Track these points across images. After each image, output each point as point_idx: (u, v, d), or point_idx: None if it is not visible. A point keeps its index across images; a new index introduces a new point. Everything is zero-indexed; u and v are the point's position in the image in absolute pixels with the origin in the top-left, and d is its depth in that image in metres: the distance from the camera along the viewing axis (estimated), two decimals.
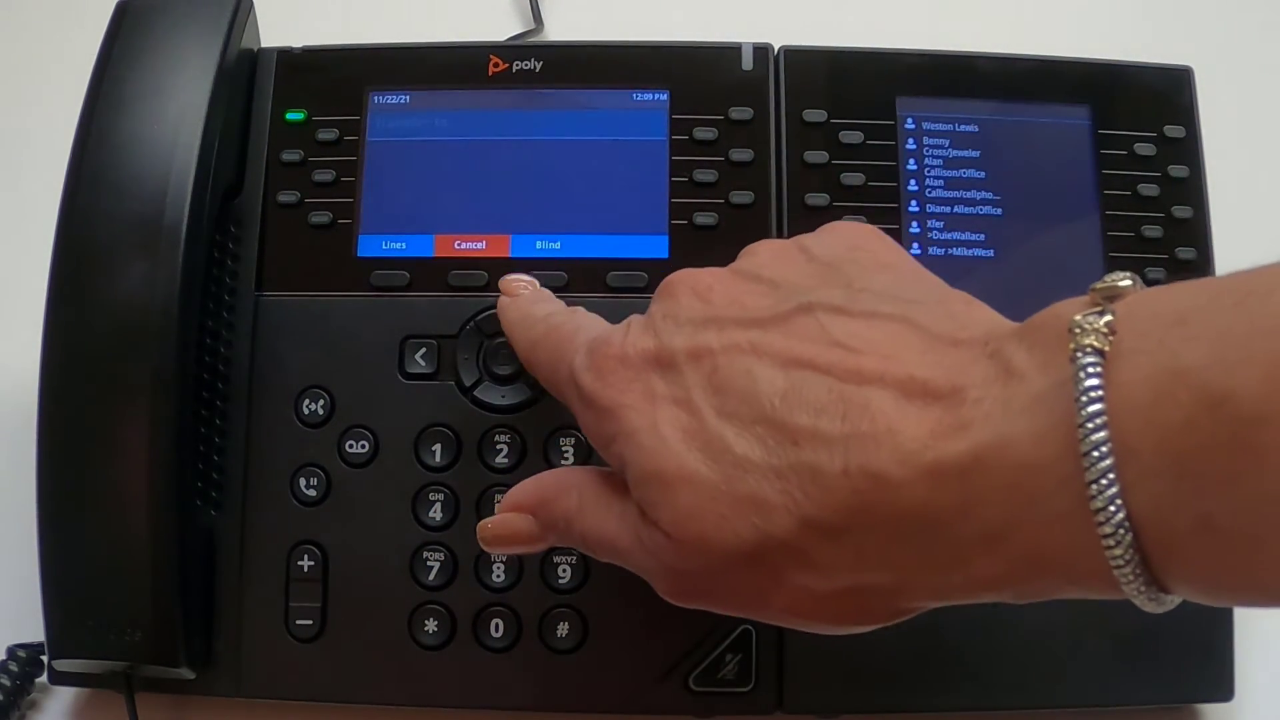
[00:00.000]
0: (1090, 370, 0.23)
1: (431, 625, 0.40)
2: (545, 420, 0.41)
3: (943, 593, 0.27)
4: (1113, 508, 0.22)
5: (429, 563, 0.40)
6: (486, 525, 0.33)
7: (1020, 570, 0.25)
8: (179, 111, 0.40)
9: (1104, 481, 0.22)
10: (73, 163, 0.40)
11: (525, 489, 0.33)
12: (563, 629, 0.40)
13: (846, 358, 0.27)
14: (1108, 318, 0.23)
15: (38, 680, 0.42)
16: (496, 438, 0.41)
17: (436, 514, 0.40)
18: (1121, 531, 0.22)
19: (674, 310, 0.30)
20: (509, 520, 0.33)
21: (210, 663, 0.40)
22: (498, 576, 0.40)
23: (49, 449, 0.38)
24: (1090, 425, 0.22)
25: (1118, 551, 0.23)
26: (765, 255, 0.31)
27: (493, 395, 0.41)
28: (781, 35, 0.45)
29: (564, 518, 0.32)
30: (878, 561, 0.26)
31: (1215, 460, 0.21)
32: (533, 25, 0.56)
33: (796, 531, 0.26)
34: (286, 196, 0.43)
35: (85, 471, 0.38)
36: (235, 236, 0.43)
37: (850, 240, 0.31)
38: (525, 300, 0.36)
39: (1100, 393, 0.22)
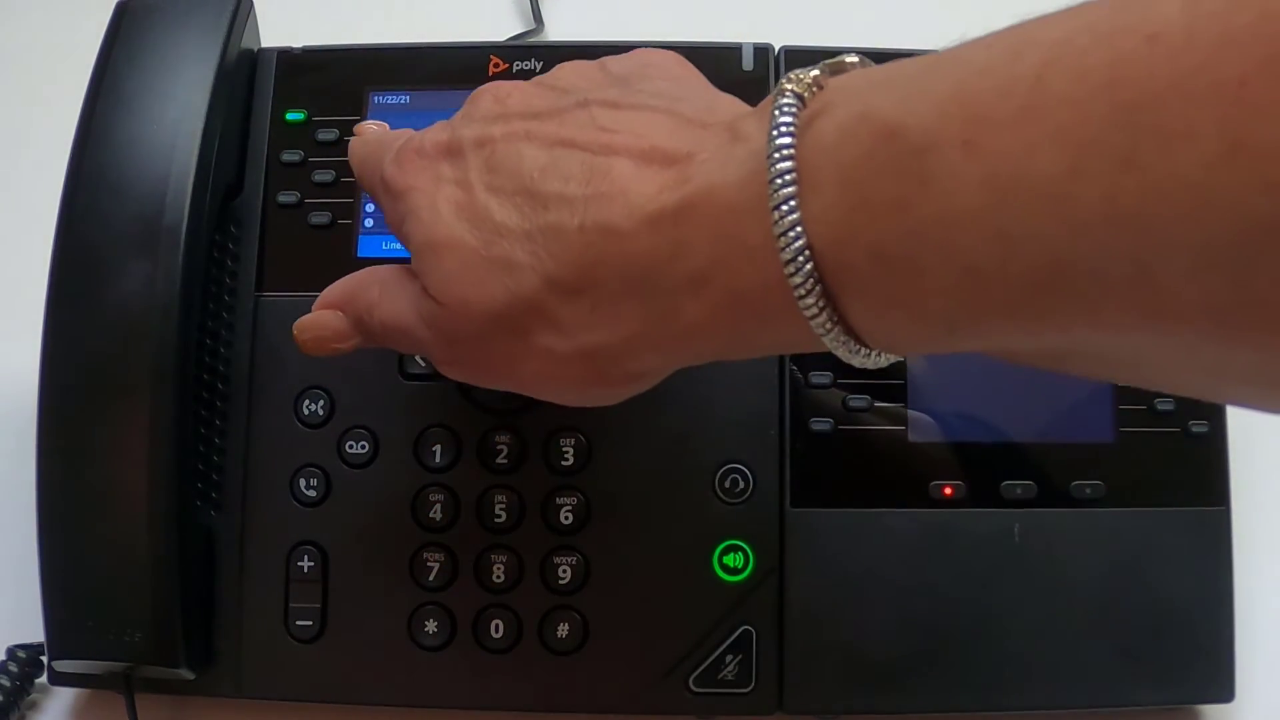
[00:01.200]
0: (785, 109, 0.25)
1: (431, 625, 0.40)
2: (545, 421, 0.41)
3: (662, 346, 0.28)
4: (793, 233, 0.24)
5: (429, 563, 0.40)
6: (301, 324, 0.35)
7: (725, 315, 0.26)
8: (179, 111, 0.40)
9: (785, 208, 0.24)
10: (73, 163, 0.40)
11: (335, 287, 0.35)
12: (563, 629, 0.40)
13: (602, 136, 0.29)
14: (815, 73, 0.25)
15: (38, 680, 0.42)
16: (496, 438, 0.41)
17: (436, 514, 0.40)
18: (802, 260, 0.24)
19: (471, 111, 0.32)
20: (322, 317, 0.34)
21: (210, 663, 0.40)
22: (498, 577, 0.40)
23: (49, 449, 0.38)
24: (776, 156, 0.24)
25: (798, 279, 0.24)
26: (567, 69, 0.33)
27: (492, 396, 0.41)
28: (781, 35, 0.45)
29: (366, 308, 0.33)
30: (608, 317, 0.28)
31: (885, 188, 0.23)
32: (533, 25, 0.56)
33: (540, 289, 0.28)
34: (286, 196, 0.43)
35: (85, 472, 0.38)
36: (235, 236, 0.43)
37: (649, 59, 0.33)
38: (369, 133, 0.38)
39: (790, 128, 0.24)
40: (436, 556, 0.40)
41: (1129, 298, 0.21)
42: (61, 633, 0.38)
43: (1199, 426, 0.41)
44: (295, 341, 0.35)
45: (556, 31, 0.56)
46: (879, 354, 0.26)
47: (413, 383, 0.41)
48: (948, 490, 0.40)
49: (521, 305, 0.29)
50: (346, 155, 0.39)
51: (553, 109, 0.30)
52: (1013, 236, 0.21)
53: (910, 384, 0.41)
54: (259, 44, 0.45)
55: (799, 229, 0.24)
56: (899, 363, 0.41)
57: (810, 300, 0.24)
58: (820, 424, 0.41)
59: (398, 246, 0.42)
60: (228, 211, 0.43)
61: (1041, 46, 0.21)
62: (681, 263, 0.26)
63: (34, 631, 0.39)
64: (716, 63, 0.44)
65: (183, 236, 0.39)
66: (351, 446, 0.41)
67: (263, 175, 0.43)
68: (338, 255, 0.42)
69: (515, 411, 0.41)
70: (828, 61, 0.26)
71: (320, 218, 0.43)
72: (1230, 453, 0.41)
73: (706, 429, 0.40)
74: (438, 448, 0.41)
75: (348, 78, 0.44)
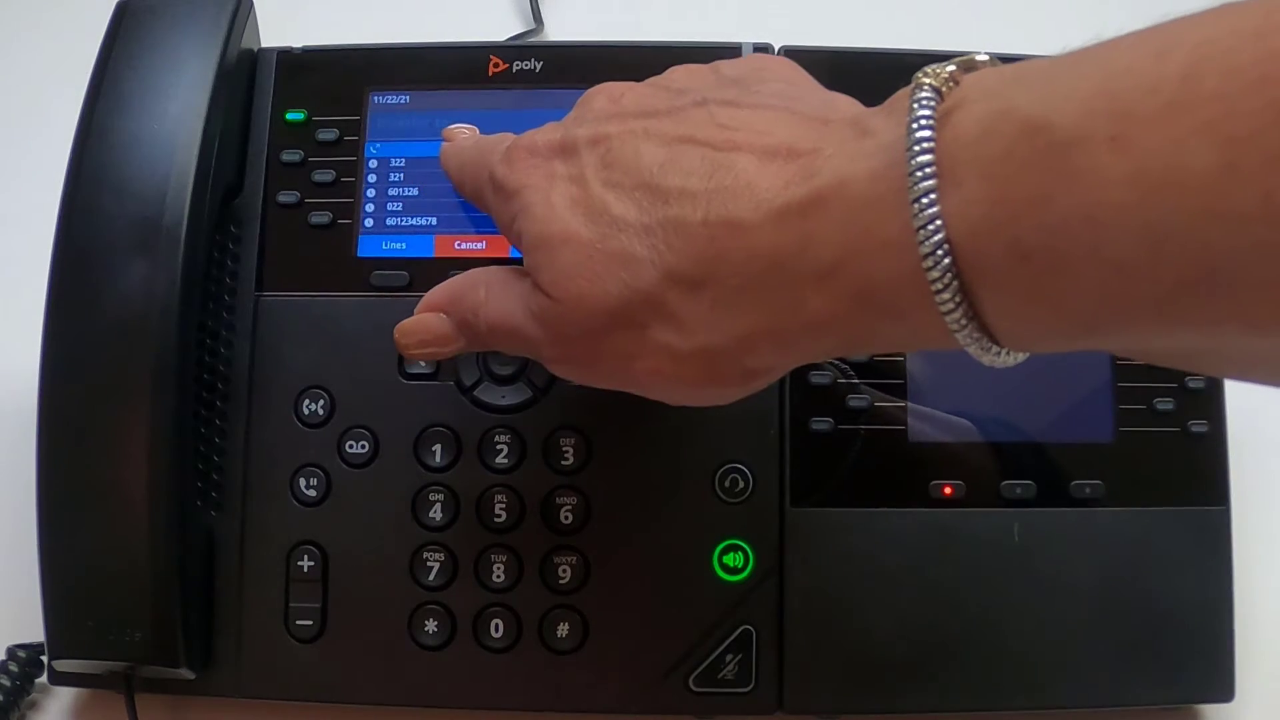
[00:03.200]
0: (924, 102, 0.25)
1: (431, 625, 0.40)
2: (545, 420, 0.41)
3: (783, 341, 0.28)
4: (932, 227, 0.24)
5: (429, 563, 0.40)
6: (403, 327, 0.34)
7: (852, 308, 0.26)
8: (179, 111, 0.40)
9: (925, 201, 0.24)
10: (73, 163, 0.40)
11: (438, 290, 0.34)
12: (563, 629, 0.40)
13: (723, 133, 0.29)
14: (951, 68, 0.25)
15: (38, 680, 0.42)
16: (496, 438, 0.41)
17: (436, 514, 0.40)
18: (940, 254, 0.24)
19: (585, 111, 0.32)
20: (424, 320, 0.34)
21: (210, 663, 0.40)
22: (498, 577, 0.40)
23: (49, 449, 0.38)
24: (916, 149, 0.24)
25: (935, 274, 0.24)
26: (680, 72, 0.33)
27: (493, 395, 0.41)
28: (781, 35, 0.45)
29: (472, 310, 0.33)
30: (728, 312, 0.27)
31: (1029, 183, 0.22)
32: (533, 25, 0.56)
33: (659, 283, 0.28)
34: (286, 196, 0.43)
35: (85, 471, 0.38)
36: (235, 236, 0.43)
37: (761, 63, 0.33)
38: (461, 138, 0.39)
39: (930, 122, 0.24)
40: (436, 556, 0.40)
41: None
42: (61, 632, 0.38)
43: (1199, 426, 0.41)
44: (396, 346, 0.35)
45: (556, 31, 0.56)
46: (1009, 353, 0.26)
47: (413, 383, 0.41)
48: (948, 490, 0.40)
49: (639, 300, 0.28)
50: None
51: (670, 108, 0.30)
52: (1163, 233, 0.21)
53: (910, 384, 0.41)
54: (259, 44, 0.45)
55: (938, 222, 0.24)
56: (898, 362, 0.41)
57: (947, 295, 0.24)
58: (820, 424, 0.41)
59: (398, 246, 0.42)
60: (228, 211, 0.43)
61: (1186, 46, 0.21)
62: (809, 256, 0.26)
63: (34, 631, 0.39)
64: None
65: (183, 236, 0.39)
66: (351, 446, 0.41)
67: (263, 175, 0.43)
68: (338, 255, 0.42)
69: (515, 411, 0.41)
70: (959, 59, 0.26)
71: (320, 218, 0.43)
72: (1230, 453, 0.41)
73: (706, 429, 0.41)
74: (438, 448, 0.41)
75: (348, 78, 0.44)
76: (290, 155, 0.43)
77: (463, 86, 0.44)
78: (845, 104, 0.30)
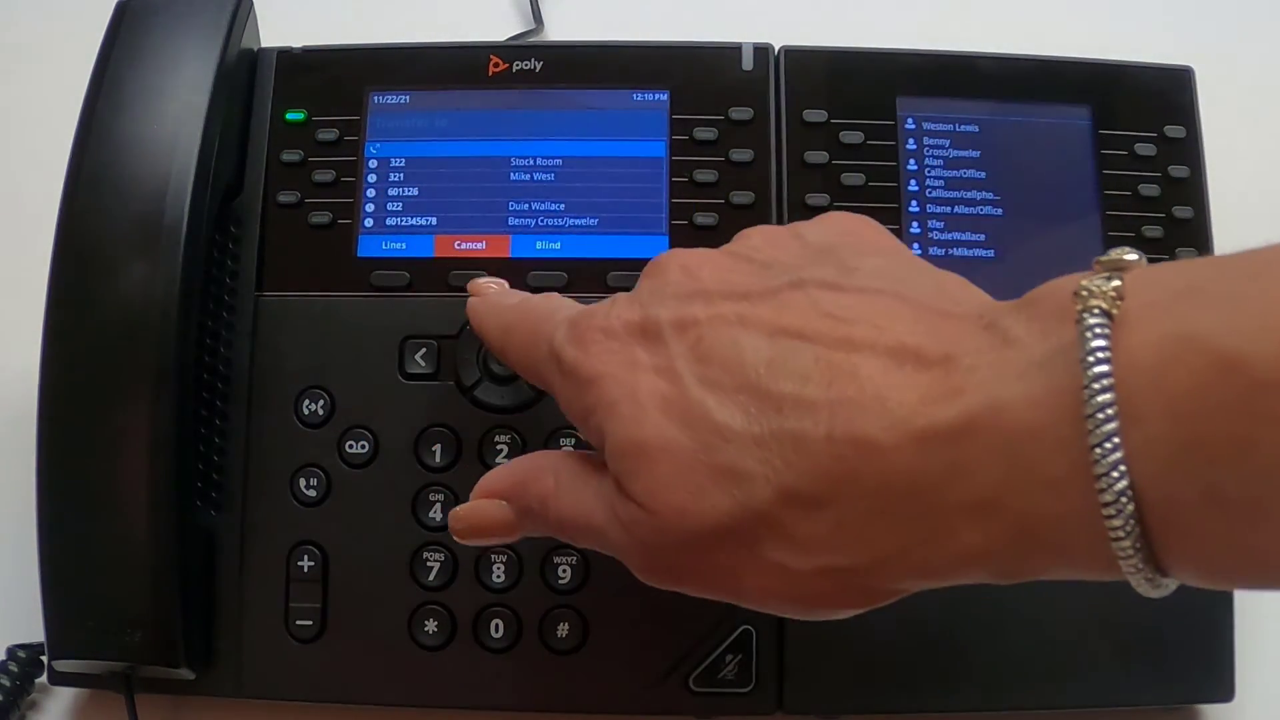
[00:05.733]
0: (1097, 331, 0.22)
1: (431, 625, 0.40)
2: (545, 420, 0.41)
3: (925, 570, 0.25)
4: (1115, 473, 0.21)
5: (429, 563, 0.40)
6: (458, 514, 0.32)
7: (1010, 543, 0.24)
8: (179, 111, 0.40)
9: (1108, 445, 0.21)
10: (73, 163, 0.40)
11: (499, 474, 0.32)
12: (563, 629, 0.40)
13: (836, 327, 0.26)
14: (1116, 283, 0.23)
15: (38, 680, 0.42)
16: (496, 438, 0.41)
17: (436, 514, 0.40)
18: (1124, 500, 0.22)
19: (661, 285, 0.29)
20: (482, 508, 0.32)
21: (210, 663, 0.40)
22: (498, 577, 0.40)
23: (49, 449, 0.38)
24: (1096, 386, 0.21)
25: (1118, 522, 0.22)
26: (758, 239, 0.31)
27: (493, 395, 0.41)
28: (781, 35, 0.45)
29: (539, 500, 0.31)
30: (857, 536, 0.25)
31: (1226, 427, 0.20)
32: (533, 25, 0.56)
33: (775, 502, 0.25)
34: (286, 196, 0.43)
35: (85, 472, 0.38)
36: (235, 236, 0.43)
37: (844, 226, 0.31)
38: (494, 295, 0.36)
39: (1107, 354, 0.22)
40: (436, 556, 0.40)
41: None
42: (61, 632, 0.38)
43: None
44: (450, 530, 0.33)
45: (556, 31, 0.56)
46: (1170, 583, 0.23)
47: (413, 383, 0.41)
48: None
49: (750, 517, 0.26)
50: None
51: (764, 289, 0.27)
52: None
53: None
54: (259, 44, 0.45)
55: (1122, 468, 0.21)
56: None
57: (1127, 543, 0.22)
58: None
59: (398, 246, 0.42)
60: (228, 211, 0.43)
61: None
62: (960, 487, 0.23)
63: (34, 631, 0.39)
64: (716, 63, 0.44)
65: (183, 236, 0.39)
66: (351, 446, 0.41)
67: (263, 175, 0.43)
68: (338, 255, 0.42)
69: (515, 411, 0.41)
70: (1105, 260, 0.24)
71: (320, 218, 0.43)
72: None
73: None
74: (438, 448, 0.41)
75: (348, 78, 0.44)
76: (290, 155, 0.43)
77: (463, 86, 0.44)
78: (956, 287, 0.27)
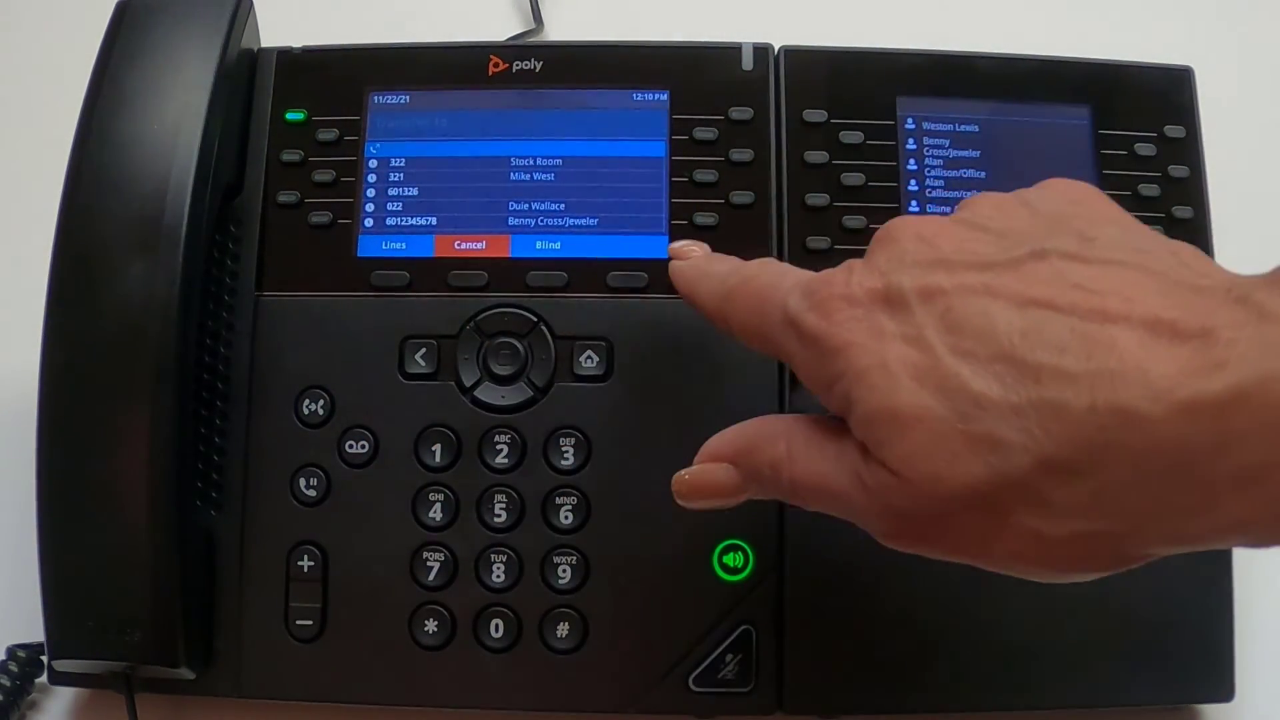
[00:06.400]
0: None
1: (431, 625, 0.40)
2: (545, 420, 0.41)
3: (1181, 537, 0.26)
4: None
5: (429, 563, 0.40)
6: (683, 477, 0.33)
7: (1273, 513, 0.24)
8: (179, 111, 0.40)
9: None
10: (73, 163, 0.40)
11: (725, 439, 0.32)
12: (563, 629, 0.40)
13: (1087, 298, 0.26)
14: None
15: (38, 680, 0.42)
16: (496, 438, 0.41)
17: (436, 514, 0.40)
18: None
19: (899, 253, 0.29)
20: (709, 471, 0.32)
21: (210, 663, 0.40)
22: (498, 577, 0.40)
23: (49, 449, 0.38)
24: None
25: None
26: (987, 206, 0.31)
27: (493, 395, 0.41)
28: (781, 35, 0.45)
29: (770, 465, 0.31)
30: (1116, 504, 0.25)
31: None
32: (533, 25, 0.56)
33: (1033, 470, 0.26)
34: (286, 196, 0.43)
35: (85, 471, 0.38)
36: (235, 236, 0.43)
37: (1071, 194, 0.31)
38: (702, 259, 0.36)
39: None
40: (436, 556, 0.40)
41: None
42: (61, 632, 0.38)
43: None
44: (673, 492, 0.33)
45: (556, 31, 0.56)
46: None
47: (413, 383, 0.41)
48: None
49: (1007, 485, 0.26)
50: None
51: (1006, 260, 0.28)
52: None
53: None
54: (259, 44, 0.45)
55: None
56: None
57: None
58: None
59: (398, 246, 0.42)
60: (228, 211, 0.43)
61: None
62: (1228, 458, 0.24)
63: (34, 631, 0.39)
64: (716, 63, 0.44)
65: (183, 236, 0.39)
66: (351, 446, 0.41)
67: (263, 175, 0.43)
68: (338, 255, 0.42)
69: (515, 411, 0.41)
70: None
71: (320, 218, 0.43)
72: None
73: (707, 428, 0.40)
74: (438, 447, 0.41)
75: (348, 78, 0.44)
76: (290, 155, 0.43)
77: (463, 86, 0.44)
78: (1192, 257, 0.27)
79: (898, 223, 0.30)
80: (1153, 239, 0.29)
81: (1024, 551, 0.27)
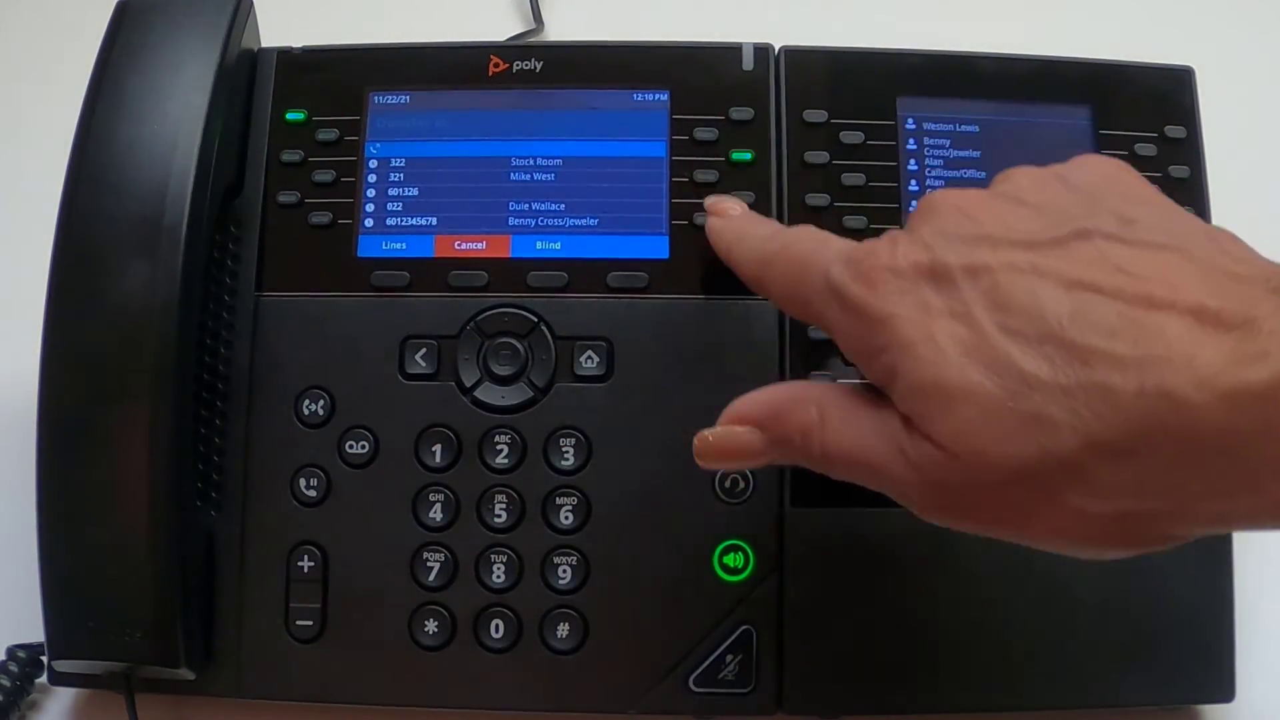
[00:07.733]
0: None
1: (431, 625, 0.40)
2: (545, 420, 0.41)
3: (1221, 519, 0.27)
4: None
5: (429, 563, 0.40)
6: (706, 438, 0.32)
7: None
8: (179, 111, 0.40)
9: None
10: (73, 163, 0.40)
11: (753, 400, 0.32)
12: (563, 629, 0.40)
13: (1132, 283, 0.26)
14: None
15: (38, 680, 0.42)
16: (496, 438, 0.41)
17: (436, 514, 0.40)
18: None
19: (941, 226, 0.29)
20: (733, 433, 0.32)
21: (210, 663, 0.40)
22: (498, 577, 0.40)
23: (49, 449, 0.38)
24: None
25: None
26: (1024, 180, 0.31)
27: (493, 395, 0.41)
28: (781, 35, 0.45)
29: (800, 431, 0.31)
30: (1159, 485, 0.26)
31: None
32: (533, 25, 0.56)
33: (1080, 451, 0.26)
34: (286, 196, 0.43)
35: (85, 472, 0.38)
36: (235, 236, 0.43)
37: (1105, 171, 0.31)
38: (741, 220, 0.36)
39: None
40: (436, 556, 0.40)
41: None
42: (61, 633, 0.38)
43: None
44: (694, 454, 0.33)
45: (556, 31, 0.56)
46: None
47: (413, 383, 0.41)
48: None
49: (1054, 464, 0.26)
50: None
51: (1050, 239, 0.28)
52: None
53: None
54: (259, 44, 0.45)
55: None
56: None
57: None
58: None
59: (398, 246, 0.42)
60: (228, 211, 0.43)
61: None
62: (1271, 443, 0.24)
63: (34, 631, 0.39)
64: (716, 63, 0.44)
65: (183, 236, 0.39)
66: (351, 446, 0.41)
67: (263, 175, 0.43)
68: (338, 255, 0.42)
69: (515, 411, 0.41)
70: None
71: (320, 218, 0.43)
72: None
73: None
74: (438, 448, 0.41)
75: (348, 78, 0.44)
76: (290, 155, 0.43)
77: (463, 86, 0.44)
78: (1230, 242, 0.28)
79: (936, 195, 0.31)
80: (1189, 221, 0.29)
81: (1066, 528, 0.28)
